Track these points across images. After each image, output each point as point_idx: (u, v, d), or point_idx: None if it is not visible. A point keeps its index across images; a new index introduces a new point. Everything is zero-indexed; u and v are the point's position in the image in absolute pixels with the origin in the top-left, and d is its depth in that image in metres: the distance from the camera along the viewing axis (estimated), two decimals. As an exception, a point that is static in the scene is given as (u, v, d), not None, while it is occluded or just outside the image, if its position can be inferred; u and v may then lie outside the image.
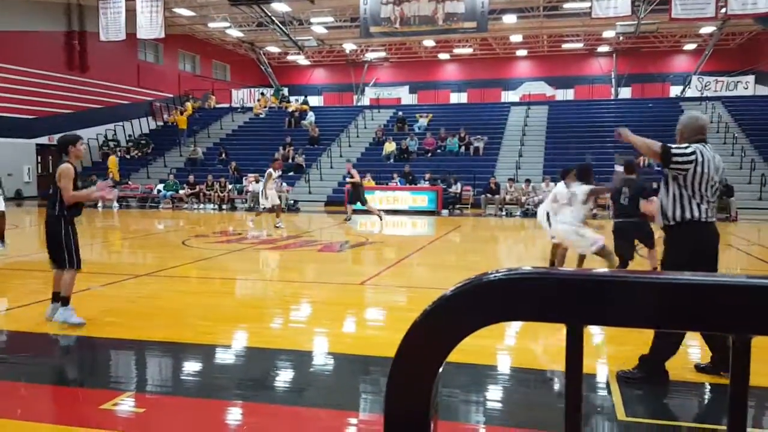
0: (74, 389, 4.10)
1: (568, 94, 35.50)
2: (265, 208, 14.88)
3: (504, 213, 19.26)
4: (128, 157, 26.18)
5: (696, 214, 4.03)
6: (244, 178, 22.07)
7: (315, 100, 35.76)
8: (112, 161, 24.35)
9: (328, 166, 23.99)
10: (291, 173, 23.28)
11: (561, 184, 7.75)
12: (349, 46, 36.76)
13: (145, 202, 22.05)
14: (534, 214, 18.78)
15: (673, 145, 4.11)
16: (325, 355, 4.99)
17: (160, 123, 30.75)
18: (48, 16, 25.44)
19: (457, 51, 38.12)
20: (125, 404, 3.73)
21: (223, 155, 24.90)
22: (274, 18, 27.87)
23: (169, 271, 8.78)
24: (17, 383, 4.15)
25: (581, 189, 7.16)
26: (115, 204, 21.54)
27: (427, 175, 20.90)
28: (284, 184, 21.23)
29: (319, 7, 28.06)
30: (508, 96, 34.81)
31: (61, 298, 5.62)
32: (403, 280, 8.42)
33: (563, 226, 7.29)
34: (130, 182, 23.45)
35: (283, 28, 28.84)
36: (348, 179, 16.46)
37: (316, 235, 13.81)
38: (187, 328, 5.54)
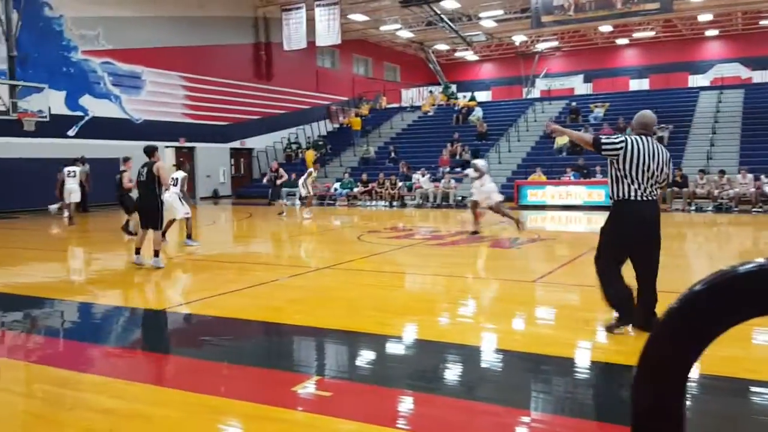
0: (268, 370, 4.47)
1: (767, 76, 31.63)
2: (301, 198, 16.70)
3: (693, 208, 17.70)
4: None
5: (628, 193, 4.84)
6: (413, 175, 22.57)
7: (483, 95, 35.49)
8: (310, 155, 26.23)
9: (497, 161, 23.70)
10: (458, 169, 23.34)
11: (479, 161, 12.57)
12: (518, 38, 36.00)
13: (323, 199, 23.41)
14: (728, 209, 17.04)
15: (604, 136, 5.07)
16: (495, 351, 4.95)
17: (336, 125, 32.46)
18: (239, 30, 27.99)
19: (637, 35, 35.65)
20: (313, 388, 4.00)
21: (393, 153, 25.66)
22: (443, 16, 28.12)
23: (346, 265, 9.25)
24: (220, 364, 4.63)
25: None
26: (297, 201, 23.14)
27: (598, 167, 19.80)
28: (452, 180, 21.37)
29: (488, 0, 27.81)
30: (697, 80, 31.85)
31: (155, 251, 8.52)
32: (578, 279, 8.06)
33: (492, 185, 12.17)
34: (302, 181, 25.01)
35: (452, 25, 28.98)
36: (276, 178, 17.54)
37: (485, 230, 13.72)
38: (363, 319, 5.80)
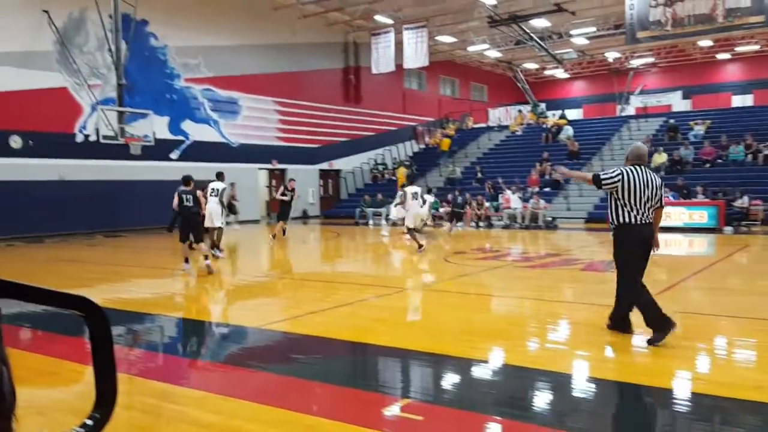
0: (358, 391, 4.50)
1: None
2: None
3: (804, 231, 16.40)
4: (393, 179, 28.20)
5: (627, 219, 5.46)
6: (500, 195, 22.26)
7: (574, 113, 34.62)
8: (401, 172, 26.49)
9: (589, 181, 22.96)
10: (547, 189, 22.81)
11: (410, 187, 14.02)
12: (611, 55, 34.97)
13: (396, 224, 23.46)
14: None
15: (602, 173, 5.67)
16: (585, 380, 4.76)
17: (422, 146, 32.61)
18: (330, 55, 28.81)
19: (739, 49, 33.77)
20: (404, 410, 3.98)
21: (480, 173, 25.43)
22: (532, 35, 27.78)
23: (432, 286, 9.22)
24: (311, 382, 4.70)
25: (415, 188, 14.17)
26: (383, 222, 23.36)
27: (699, 188, 18.74)
28: (541, 201, 20.89)
29: (580, 18, 27.23)
30: (809, 95, 29.71)
31: (205, 256, 10.37)
32: (679, 305, 7.64)
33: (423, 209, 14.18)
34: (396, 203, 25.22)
35: (542, 44, 28.57)
36: (291, 198, 16.24)
37: (576, 253, 13.29)
38: (451, 341, 5.74)
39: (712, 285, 9.28)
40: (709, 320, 6.70)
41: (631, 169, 5.51)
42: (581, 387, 4.60)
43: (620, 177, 5.45)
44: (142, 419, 3.97)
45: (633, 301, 5.56)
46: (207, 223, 11.97)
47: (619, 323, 5.76)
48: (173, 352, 6.10)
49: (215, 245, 12.41)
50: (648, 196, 5.45)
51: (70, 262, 12.70)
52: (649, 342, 5.39)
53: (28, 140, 18.16)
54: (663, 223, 19.75)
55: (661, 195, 5.58)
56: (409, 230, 13.57)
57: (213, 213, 12.05)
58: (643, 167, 5.58)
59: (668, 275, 10.35)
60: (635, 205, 5.42)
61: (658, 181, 5.59)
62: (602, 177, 5.54)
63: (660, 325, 5.35)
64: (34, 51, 18.40)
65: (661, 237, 17.53)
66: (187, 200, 10.37)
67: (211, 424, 3.77)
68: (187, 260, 10.38)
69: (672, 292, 8.40)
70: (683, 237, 16.55)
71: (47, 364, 5.07)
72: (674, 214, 18.06)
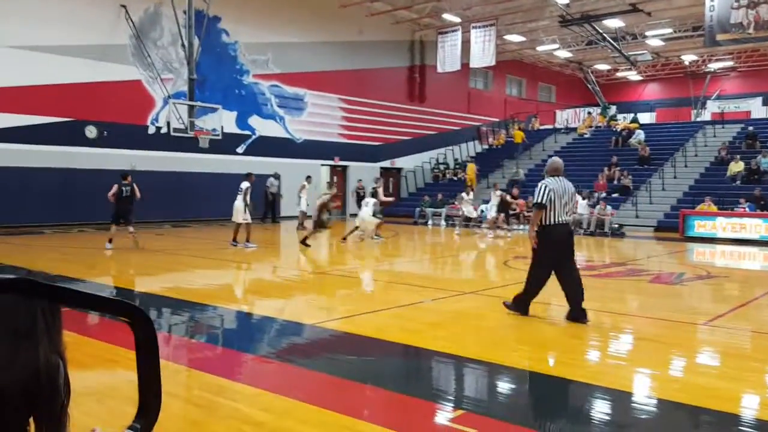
0: (411, 398, 4.40)
1: None
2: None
3: None
4: (455, 179, 27.92)
5: (549, 221, 6.52)
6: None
7: (646, 117, 33.37)
8: (471, 168, 26.22)
9: (660, 187, 22.11)
10: (615, 195, 22.09)
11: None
12: (688, 57, 33.57)
13: (468, 221, 23.20)
14: None
15: (535, 197, 6.66)
16: (647, 399, 4.52)
17: (486, 146, 32.17)
18: (396, 54, 28.79)
19: (829, 52, 31.76)
20: (458, 422, 3.86)
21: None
22: (605, 35, 26.94)
23: (491, 291, 9.04)
24: (363, 385, 4.65)
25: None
26: (443, 222, 23.16)
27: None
28: (608, 207, 20.23)
29: (656, 18, 26.24)
30: None
31: (136, 241, 12.62)
32: (753, 324, 7.23)
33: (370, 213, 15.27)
34: (456, 202, 24.93)
35: (615, 45, 27.68)
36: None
37: (644, 263, 12.78)
38: (507, 351, 5.59)
39: (791, 304, 8.71)
40: (787, 343, 6.28)
41: (551, 180, 6.65)
42: (643, 407, 4.38)
43: (548, 188, 6.54)
44: (195, 413, 4.02)
45: (534, 289, 6.67)
46: (233, 219, 13.55)
47: (520, 307, 6.82)
48: (230, 345, 6.18)
49: (235, 239, 13.58)
50: (565, 201, 6.58)
51: (137, 251, 13.13)
52: (505, 303, 6.92)
53: (103, 130, 18.94)
54: (738, 235, 18.93)
55: (575, 200, 6.79)
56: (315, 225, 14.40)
57: (237, 210, 13.44)
58: (560, 177, 6.71)
59: (741, 291, 9.82)
60: (555, 209, 6.50)
61: (572, 188, 6.79)
62: (538, 200, 6.56)
63: (519, 304, 6.77)
64: (111, 44, 19.15)
65: (736, 249, 16.77)
66: (126, 192, 12.45)
67: (261, 423, 3.77)
68: (110, 241, 12.39)
69: (745, 309, 7.95)
70: (759, 250, 15.69)
71: (107, 351, 5.22)
72: (750, 226, 17.15)
